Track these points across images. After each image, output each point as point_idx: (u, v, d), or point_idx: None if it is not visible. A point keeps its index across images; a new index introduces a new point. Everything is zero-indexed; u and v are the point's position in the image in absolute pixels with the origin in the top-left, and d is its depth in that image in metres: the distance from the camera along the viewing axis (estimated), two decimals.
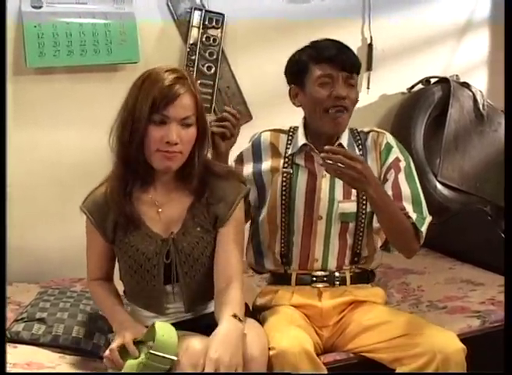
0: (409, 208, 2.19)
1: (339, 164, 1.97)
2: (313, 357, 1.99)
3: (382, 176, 2.26)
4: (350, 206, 2.25)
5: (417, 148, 3.53)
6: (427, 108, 3.59)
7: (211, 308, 2.12)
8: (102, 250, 2.12)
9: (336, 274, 2.29)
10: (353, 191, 2.24)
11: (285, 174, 2.27)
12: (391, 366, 2.10)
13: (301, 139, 2.28)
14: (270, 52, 3.30)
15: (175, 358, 1.86)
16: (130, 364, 1.90)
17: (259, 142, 2.34)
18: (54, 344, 2.31)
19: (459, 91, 3.65)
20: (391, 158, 2.26)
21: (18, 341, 2.32)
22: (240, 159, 2.35)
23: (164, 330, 1.89)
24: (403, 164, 2.26)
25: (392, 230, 2.18)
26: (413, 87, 3.69)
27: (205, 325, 2.01)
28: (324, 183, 2.25)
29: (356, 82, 2.23)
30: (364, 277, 2.33)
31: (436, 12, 3.69)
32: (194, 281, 2.07)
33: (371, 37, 3.54)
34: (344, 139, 2.27)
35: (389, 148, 2.27)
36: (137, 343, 1.95)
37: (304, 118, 2.31)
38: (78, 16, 2.96)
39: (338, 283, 2.29)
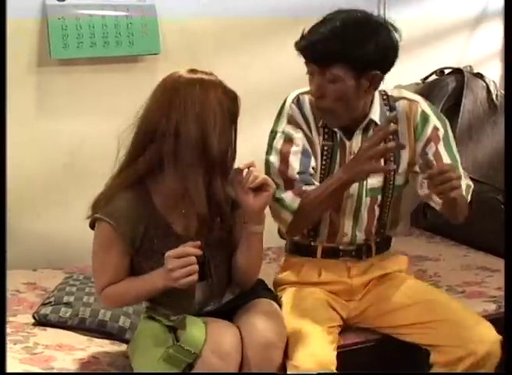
0: None
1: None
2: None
3: (420, 150, 2.15)
4: (377, 181, 2.16)
5: None
6: (441, 99, 3.61)
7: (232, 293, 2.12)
8: (121, 262, 1.97)
9: (363, 248, 2.24)
10: None
11: (326, 147, 2.14)
12: (425, 347, 2.11)
13: None
14: (279, 50, 3.34)
15: (198, 352, 1.88)
16: (155, 350, 1.92)
17: (302, 105, 2.14)
18: (81, 327, 2.36)
19: (473, 81, 3.67)
20: (429, 130, 2.14)
21: (46, 323, 2.37)
22: (293, 122, 2.14)
23: (194, 326, 1.92)
24: (441, 133, 2.15)
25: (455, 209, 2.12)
26: (427, 77, 3.70)
27: (228, 312, 2.04)
28: None
29: (338, 74, 1.98)
30: (385, 244, 2.30)
31: (450, 4, 3.70)
32: (224, 269, 2.06)
33: None
34: (375, 113, 2.13)
35: (425, 117, 2.15)
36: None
37: None
38: (101, 9, 3.02)
39: (365, 256, 2.24)
